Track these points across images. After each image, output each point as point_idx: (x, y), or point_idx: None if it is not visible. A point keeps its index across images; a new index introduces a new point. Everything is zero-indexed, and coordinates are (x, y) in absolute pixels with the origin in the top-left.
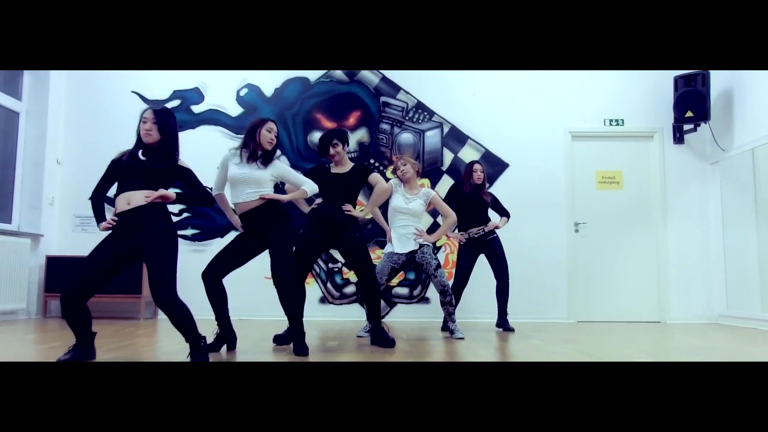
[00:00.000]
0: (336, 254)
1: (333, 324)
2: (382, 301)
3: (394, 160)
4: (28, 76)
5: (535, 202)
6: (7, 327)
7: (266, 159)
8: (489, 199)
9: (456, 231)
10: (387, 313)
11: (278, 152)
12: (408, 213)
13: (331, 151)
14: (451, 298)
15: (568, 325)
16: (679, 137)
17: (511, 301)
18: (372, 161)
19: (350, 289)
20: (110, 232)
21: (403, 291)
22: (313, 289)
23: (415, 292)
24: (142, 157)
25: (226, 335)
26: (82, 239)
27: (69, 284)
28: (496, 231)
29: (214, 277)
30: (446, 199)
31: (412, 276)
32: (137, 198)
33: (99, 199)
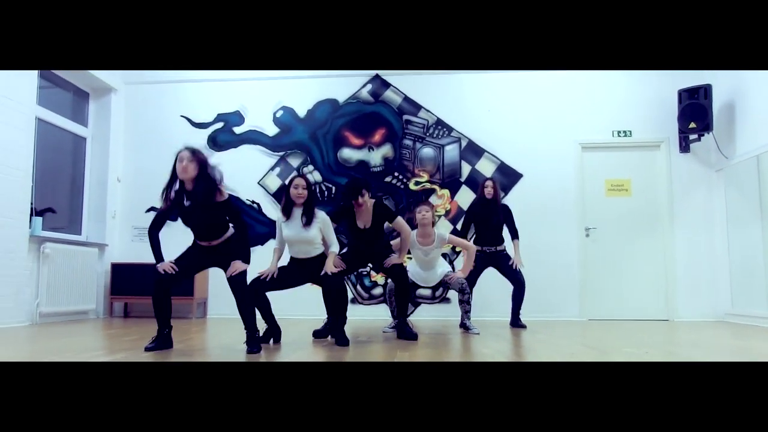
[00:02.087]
0: None
1: (363, 322)
2: None
3: (416, 172)
4: (93, 104)
5: (548, 209)
6: (83, 325)
7: (308, 218)
8: (501, 216)
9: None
10: (412, 312)
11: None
12: (428, 262)
13: (360, 200)
14: (469, 296)
15: (579, 322)
16: (684, 146)
17: (526, 301)
18: (396, 174)
19: (378, 291)
20: (191, 252)
21: (426, 292)
22: None
23: (437, 293)
24: (186, 202)
25: (273, 330)
26: (140, 248)
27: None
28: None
29: (260, 290)
30: (465, 220)
31: None
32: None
33: (156, 237)
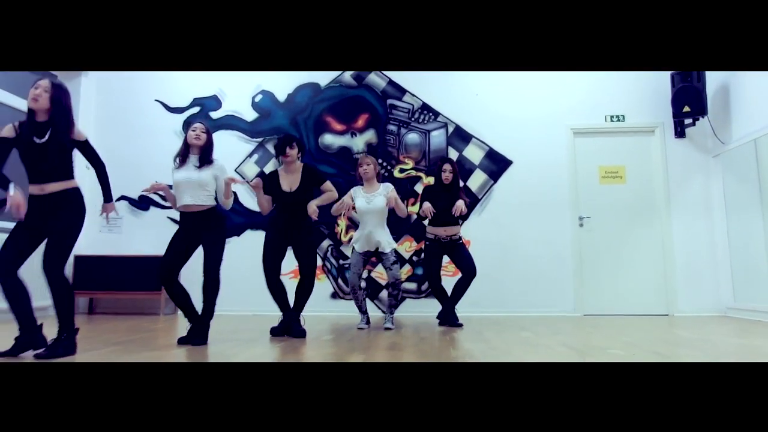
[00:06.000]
0: (346, 251)
1: (341, 318)
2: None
3: (401, 158)
4: None
5: (539, 198)
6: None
7: (202, 161)
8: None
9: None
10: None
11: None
12: (372, 212)
13: (287, 152)
14: (398, 293)
15: (573, 318)
16: (680, 131)
17: (518, 295)
18: (380, 161)
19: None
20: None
21: (412, 286)
22: (324, 284)
23: (423, 287)
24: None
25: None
26: (109, 239)
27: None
28: (462, 237)
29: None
30: (421, 199)
31: (419, 272)
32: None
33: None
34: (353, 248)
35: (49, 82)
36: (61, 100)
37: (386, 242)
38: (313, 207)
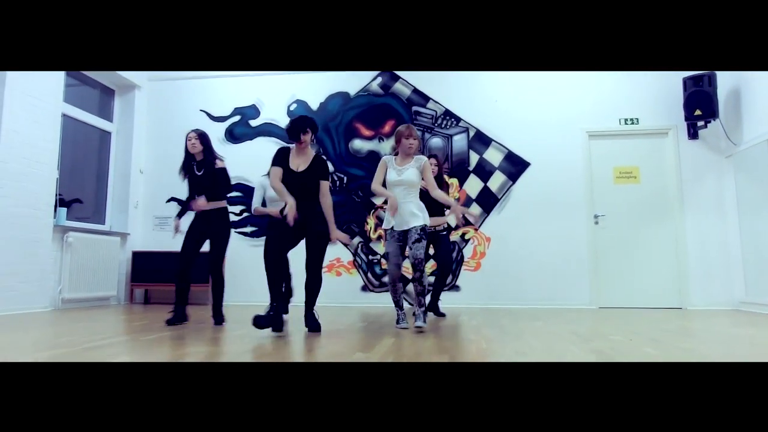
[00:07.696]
0: (375, 247)
1: (371, 309)
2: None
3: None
4: (118, 101)
5: (556, 197)
6: (100, 311)
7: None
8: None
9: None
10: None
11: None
12: (402, 185)
13: (302, 138)
14: (421, 275)
15: (588, 311)
16: (693, 133)
17: (536, 289)
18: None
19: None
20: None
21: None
22: (355, 278)
23: (447, 281)
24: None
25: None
26: (160, 236)
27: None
28: (446, 228)
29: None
30: None
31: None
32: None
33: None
34: (387, 234)
35: (195, 132)
36: (207, 144)
37: (415, 215)
38: (339, 235)
